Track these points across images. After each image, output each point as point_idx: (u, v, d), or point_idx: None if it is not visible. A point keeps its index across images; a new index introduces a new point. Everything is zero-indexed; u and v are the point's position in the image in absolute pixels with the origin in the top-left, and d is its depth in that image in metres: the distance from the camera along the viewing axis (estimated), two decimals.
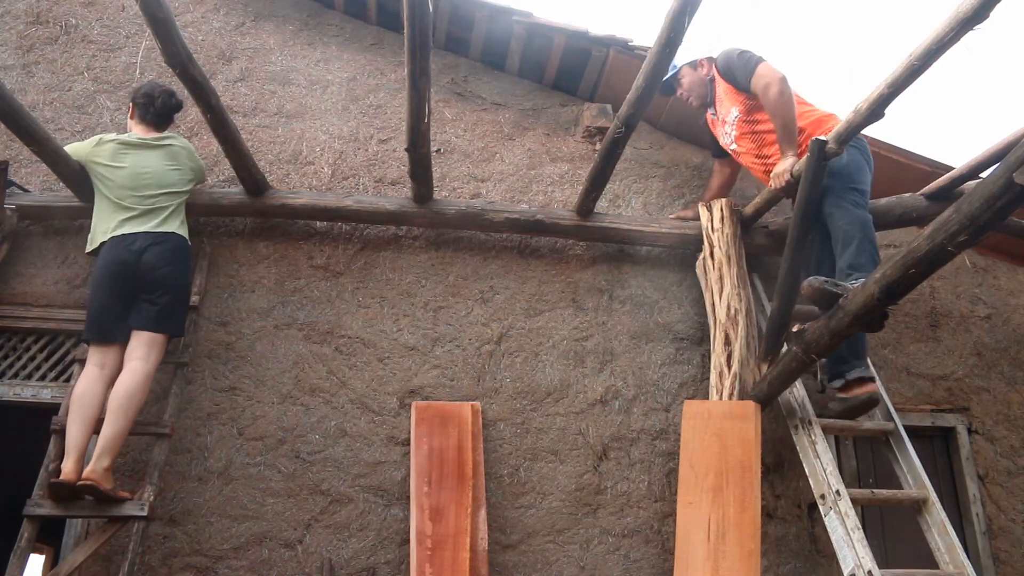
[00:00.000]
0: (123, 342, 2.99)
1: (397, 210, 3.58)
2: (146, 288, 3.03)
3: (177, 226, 3.20)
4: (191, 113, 3.70)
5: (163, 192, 3.19)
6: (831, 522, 2.85)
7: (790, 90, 3.18)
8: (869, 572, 2.63)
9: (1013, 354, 3.99)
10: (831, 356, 3.19)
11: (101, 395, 2.87)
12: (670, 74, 3.54)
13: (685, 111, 4.06)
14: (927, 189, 3.57)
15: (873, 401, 3.06)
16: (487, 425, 3.39)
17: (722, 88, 3.47)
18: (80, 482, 2.68)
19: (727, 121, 3.51)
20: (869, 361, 3.27)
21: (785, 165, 3.16)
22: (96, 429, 2.82)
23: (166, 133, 3.33)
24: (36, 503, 2.76)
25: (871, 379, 3.14)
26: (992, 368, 3.94)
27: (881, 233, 3.79)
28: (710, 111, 3.63)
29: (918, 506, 3.00)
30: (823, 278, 2.63)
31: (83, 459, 2.76)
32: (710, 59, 3.54)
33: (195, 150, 3.44)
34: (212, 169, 3.69)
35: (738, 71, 3.34)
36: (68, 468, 2.71)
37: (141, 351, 2.95)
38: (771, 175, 3.27)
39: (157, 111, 3.30)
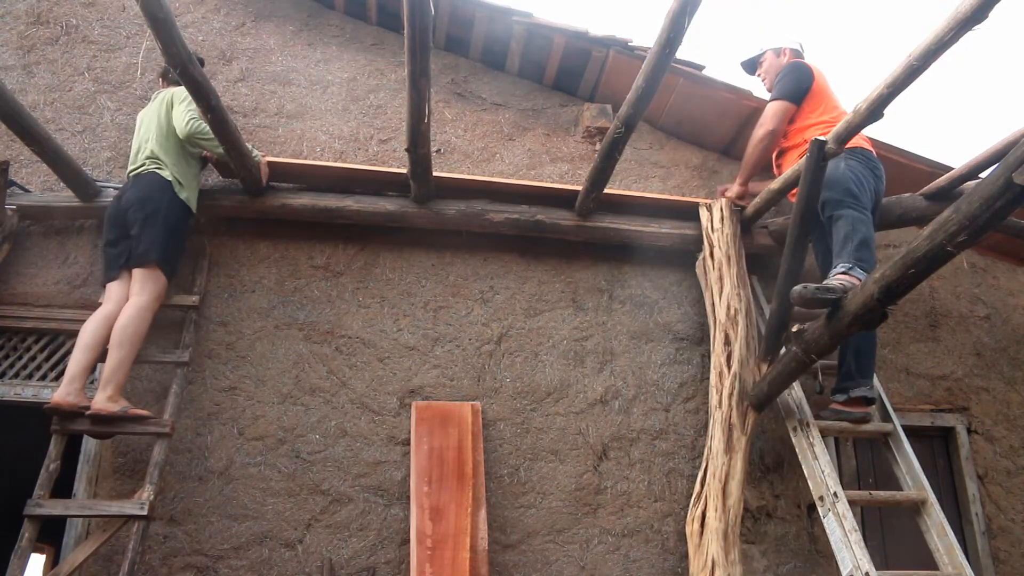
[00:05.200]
0: (123, 281, 3.15)
1: (397, 210, 3.58)
2: (128, 228, 3.15)
3: (163, 168, 3.21)
4: None
5: (153, 141, 3.26)
6: (829, 524, 2.85)
7: (766, 141, 3.51)
8: (867, 574, 2.63)
9: (1012, 354, 4.00)
10: (839, 371, 3.23)
11: (96, 325, 3.00)
12: (755, 55, 3.78)
13: (685, 111, 4.07)
14: (927, 189, 3.58)
15: (865, 421, 3.19)
16: (487, 425, 3.40)
17: None
18: (89, 412, 2.85)
19: None
20: (876, 380, 3.30)
21: (733, 191, 3.69)
22: (101, 359, 2.98)
23: (170, 88, 3.40)
24: (37, 503, 2.76)
25: (872, 400, 3.18)
26: (991, 368, 3.94)
27: (881, 233, 3.80)
28: None
29: (917, 507, 3.00)
30: (814, 286, 2.63)
31: (78, 386, 2.89)
32: (794, 51, 3.70)
33: (182, 100, 3.26)
34: (212, 169, 3.69)
35: (774, 89, 3.59)
36: (57, 392, 2.88)
37: (134, 287, 3.08)
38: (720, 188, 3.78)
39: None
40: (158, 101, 3.37)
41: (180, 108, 3.25)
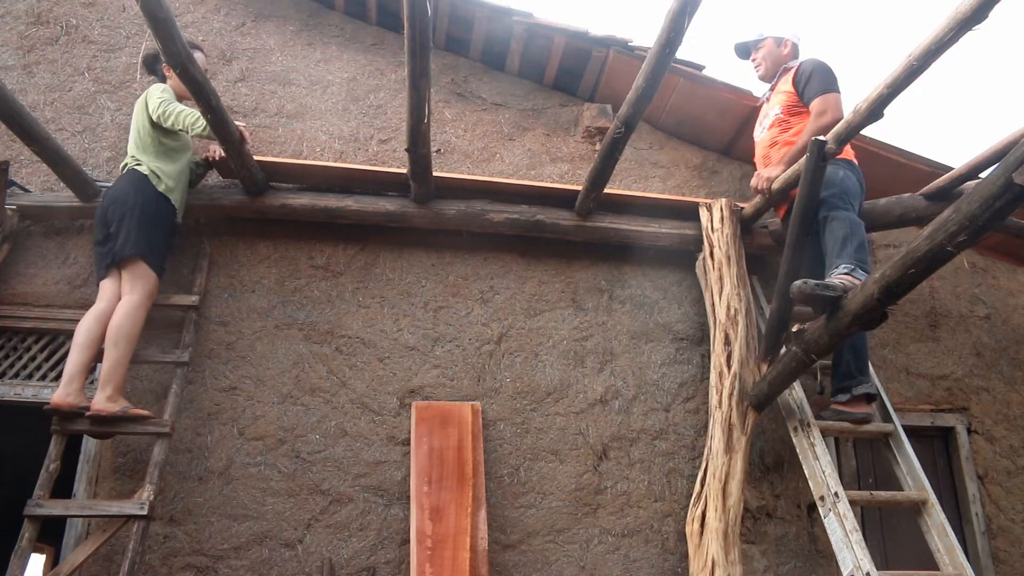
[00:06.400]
0: (114, 279, 3.12)
1: (397, 210, 3.58)
2: (110, 226, 3.13)
3: (141, 164, 3.21)
4: None
5: (131, 144, 3.27)
6: (830, 524, 2.85)
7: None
8: (867, 574, 2.63)
9: (1012, 354, 4.00)
10: (837, 371, 3.23)
11: (90, 323, 3.01)
12: (753, 39, 3.66)
13: (685, 111, 4.07)
14: (927, 189, 3.57)
15: (867, 420, 3.18)
16: (487, 425, 3.39)
17: (786, 85, 3.49)
18: (89, 412, 2.86)
19: (767, 114, 3.58)
20: (872, 372, 3.29)
21: (774, 172, 3.36)
22: (97, 358, 2.99)
23: (153, 86, 3.37)
24: (37, 503, 2.76)
25: (874, 397, 3.19)
26: (991, 368, 3.94)
27: (881, 233, 3.81)
28: (764, 96, 3.69)
29: (917, 507, 3.00)
30: (814, 282, 2.63)
31: (77, 386, 2.90)
32: (795, 45, 3.61)
33: (158, 92, 3.26)
34: (212, 169, 3.69)
35: (813, 82, 3.34)
36: (57, 392, 2.89)
37: (124, 287, 3.08)
38: (756, 174, 3.45)
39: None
40: (135, 108, 3.37)
41: (153, 102, 3.23)
